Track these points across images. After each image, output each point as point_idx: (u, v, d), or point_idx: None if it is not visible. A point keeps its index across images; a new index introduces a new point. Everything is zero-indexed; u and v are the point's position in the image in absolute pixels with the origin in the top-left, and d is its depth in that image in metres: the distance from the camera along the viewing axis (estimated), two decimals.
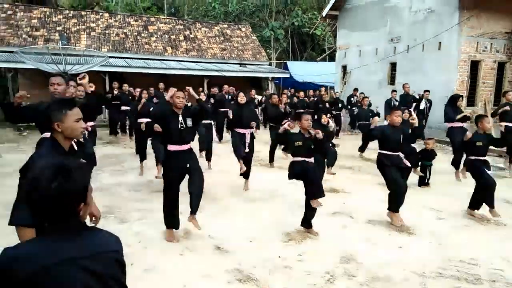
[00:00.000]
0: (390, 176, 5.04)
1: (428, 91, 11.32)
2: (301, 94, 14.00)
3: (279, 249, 4.35)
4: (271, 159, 8.75)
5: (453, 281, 3.67)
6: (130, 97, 11.19)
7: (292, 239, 4.65)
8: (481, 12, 12.45)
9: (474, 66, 12.91)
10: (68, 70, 12.29)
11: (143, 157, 7.68)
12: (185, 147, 4.47)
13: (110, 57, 15.97)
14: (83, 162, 1.83)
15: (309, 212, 4.75)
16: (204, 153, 8.51)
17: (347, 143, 11.18)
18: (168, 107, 4.57)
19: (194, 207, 4.44)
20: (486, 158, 5.52)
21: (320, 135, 4.61)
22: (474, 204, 5.46)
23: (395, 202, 5.05)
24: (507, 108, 7.70)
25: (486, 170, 5.30)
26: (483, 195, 5.27)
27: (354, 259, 4.11)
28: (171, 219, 4.51)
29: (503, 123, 7.55)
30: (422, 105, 11.16)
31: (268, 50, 29.21)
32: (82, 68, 12.84)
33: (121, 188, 6.57)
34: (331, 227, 5.07)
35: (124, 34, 19.05)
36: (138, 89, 10.14)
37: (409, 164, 5.30)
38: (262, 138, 11.97)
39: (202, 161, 6.21)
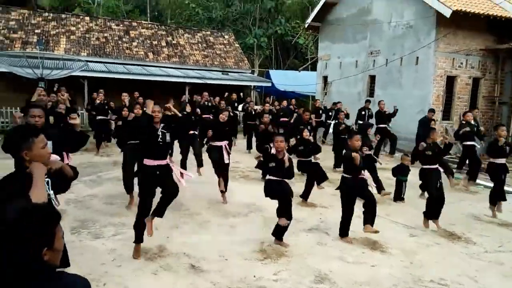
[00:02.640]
0: (346, 202, 5.21)
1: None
2: (284, 103, 14.11)
3: (254, 268, 4.36)
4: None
5: None
6: (107, 107, 10.98)
7: (268, 257, 4.67)
8: (458, 30, 12.83)
9: (450, 81, 13.28)
10: (46, 75, 12.06)
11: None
12: (161, 162, 4.46)
13: (89, 61, 15.75)
14: (51, 207, 1.80)
15: (279, 227, 4.88)
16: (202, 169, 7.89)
17: (327, 154, 11.26)
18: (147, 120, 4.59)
19: (158, 211, 4.47)
20: (437, 166, 5.84)
21: (287, 163, 4.72)
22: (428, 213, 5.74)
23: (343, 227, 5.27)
24: (467, 129, 8.22)
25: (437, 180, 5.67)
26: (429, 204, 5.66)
27: (327, 279, 4.16)
28: (140, 234, 4.42)
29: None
30: None
31: (251, 57, 29.32)
32: (61, 73, 12.61)
33: (96, 200, 6.48)
34: (307, 244, 5.12)
35: (105, 39, 18.82)
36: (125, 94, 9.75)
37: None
38: (242, 148, 12.00)
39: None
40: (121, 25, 20.31)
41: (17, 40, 16.63)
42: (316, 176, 6.94)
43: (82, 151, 10.80)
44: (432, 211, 5.69)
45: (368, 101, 12.92)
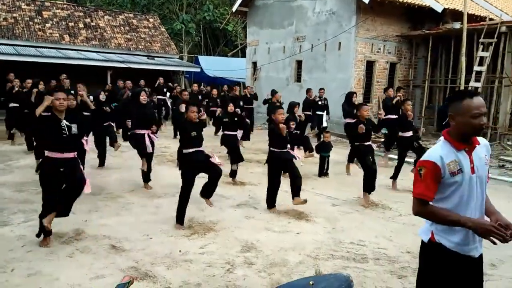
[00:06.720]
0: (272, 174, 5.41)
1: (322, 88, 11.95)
2: (214, 91, 13.90)
3: (180, 244, 4.25)
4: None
5: (342, 261, 3.94)
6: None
7: (195, 233, 4.58)
8: (376, 16, 13.57)
9: (370, 65, 14.08)
10: None
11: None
12: (67, 155, 3.99)
13: None
14: None
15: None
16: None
17: (257, 138, 11.39)
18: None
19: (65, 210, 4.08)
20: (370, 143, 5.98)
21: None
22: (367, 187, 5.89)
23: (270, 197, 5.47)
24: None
25: (370, 157, 5.83)
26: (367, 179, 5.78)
27: (254, 248, 4.19)
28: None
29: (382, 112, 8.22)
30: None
31: (179, 44, 28.48)
32: None
33: (4, 188, 5.86)
34: (235, 219, 5.11)
35: (14, 19, 17.02)
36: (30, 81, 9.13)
37: (298, 156, 5.66)
38: (170, 133, 11.69)
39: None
40: (32, 5, 18.45)
41: None
42: (233, 155, 6.92)
43: None
44: (369, 185, 5.81)
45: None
